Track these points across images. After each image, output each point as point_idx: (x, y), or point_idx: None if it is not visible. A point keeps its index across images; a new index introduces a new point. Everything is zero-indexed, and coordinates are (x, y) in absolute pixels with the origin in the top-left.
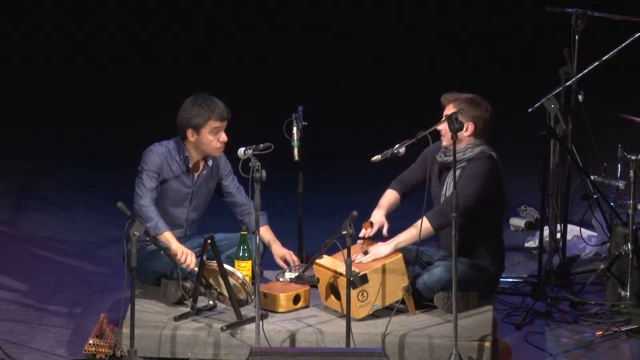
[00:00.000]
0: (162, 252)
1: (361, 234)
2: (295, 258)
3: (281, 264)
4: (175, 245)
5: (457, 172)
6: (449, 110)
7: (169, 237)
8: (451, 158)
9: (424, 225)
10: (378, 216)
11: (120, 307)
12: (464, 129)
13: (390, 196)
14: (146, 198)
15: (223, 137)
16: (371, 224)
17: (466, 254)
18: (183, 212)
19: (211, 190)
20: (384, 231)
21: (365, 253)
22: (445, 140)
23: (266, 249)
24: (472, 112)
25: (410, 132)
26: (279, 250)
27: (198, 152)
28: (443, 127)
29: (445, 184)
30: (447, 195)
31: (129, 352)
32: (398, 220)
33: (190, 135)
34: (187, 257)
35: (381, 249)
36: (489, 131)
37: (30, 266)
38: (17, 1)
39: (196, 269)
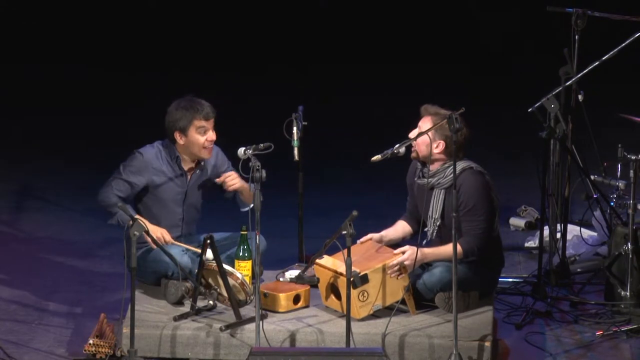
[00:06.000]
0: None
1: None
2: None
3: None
4: (151, 227)
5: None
6: (425, 122)
7: (142, 219)
8: (433, 179)
9: (455, 249)
10: (376, 236)
11: (121, 307)
12: (435, 145)
13: (396, 225)
14: (113, 190)
15: (211, 135)
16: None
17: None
18: (178, 212)
19: (206, 189)
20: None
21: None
22: (415, 153)
23: (267, 248)
24: (447, 131)
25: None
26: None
27: (189, 154)
28: (415, 141)
29: (431, 205)
30: (434, 216)
31: (129, 352)
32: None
33: (179, 138)
34: (163, 233)
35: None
36: (464, 151)
37: (30, 266)
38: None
39: (178, 244)
